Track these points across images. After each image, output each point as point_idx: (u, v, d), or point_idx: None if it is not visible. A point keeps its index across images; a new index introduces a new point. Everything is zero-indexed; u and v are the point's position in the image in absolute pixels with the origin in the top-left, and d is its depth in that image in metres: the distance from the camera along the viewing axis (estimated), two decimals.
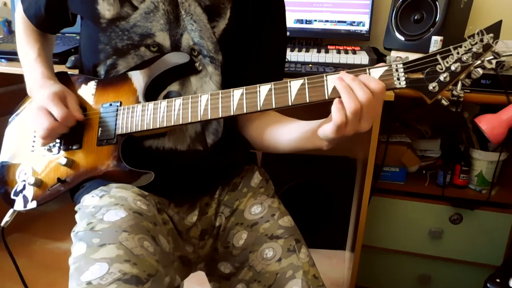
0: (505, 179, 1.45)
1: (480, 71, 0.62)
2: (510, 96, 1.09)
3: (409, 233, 1.47)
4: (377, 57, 1.32)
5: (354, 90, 0.60)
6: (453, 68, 0.61)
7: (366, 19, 1.49)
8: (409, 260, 1.51)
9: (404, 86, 0.62)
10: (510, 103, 1.06)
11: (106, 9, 0.78)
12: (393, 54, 1.34)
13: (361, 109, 0.59)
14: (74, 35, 1.54)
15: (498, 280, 1.03)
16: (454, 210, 1.41)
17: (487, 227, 1.40)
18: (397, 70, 0.62)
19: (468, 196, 1.40)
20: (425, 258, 1.49)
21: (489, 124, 0.99)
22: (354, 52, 1.34)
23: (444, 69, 0.62)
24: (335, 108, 0.60)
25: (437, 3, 1.21)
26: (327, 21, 1.52)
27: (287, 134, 0.77)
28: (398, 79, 0.62)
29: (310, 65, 1.25)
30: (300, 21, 1.53)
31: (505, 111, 0.99)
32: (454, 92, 0.64)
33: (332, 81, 0.63)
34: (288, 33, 1.49)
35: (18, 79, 0.90)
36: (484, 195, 1.39)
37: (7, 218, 0.87)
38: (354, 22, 1.50)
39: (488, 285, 1.03)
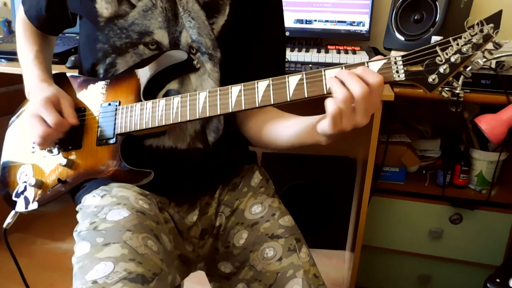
0: (505, 179, 1.45)
1: (481, 62, 0.61)
2: (510, 96, 1.09)
3: (409, 233, 1.47)
4: None
5: (346, 82, 0.60)
6: (452, 59, 0.60)
7: (366, 19, 1.49)
8: (409, 260, 1.51)
9: (403, 78, 0.61)
10: (510, 103, 1.06)
11: (104, 8, 0.78)
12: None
13: (354, 100, 0.59)
14: (74, 35, 1.54)
15: (498, 280, 1.03)
16: (454, 210, 1.41)
17: (487, 227, 1.40)
18: (395, 63, 0.62)
19: (468, 196, 1.40)
20: (425, 258, 1.49)
21: (489, 124, 0.99)
22: (354, 52, 1.34)
23: (443, 60, 0.61)
24: (328, 100, 0.60)
25: (437, 3, 1.21)
26: (327, 21, 1.52)
27: (287, 129, 0.77)
28: (397, 71, 0.62)
29: (310, 65, 1.25)
30: (300, 21, 1.53)
31: (505, 111, 0.99)
32: (455, 84, 0.63)
33: (330, 76, 0.63)
34: (288, 33, 1.53)
35: (18, 79, 0.90)
36: (484, 195, 1.39)
37: (9, 219, 0.87)
38: (354, 22, 1.50)
39: (488, 285, 1.03)
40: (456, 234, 1.43)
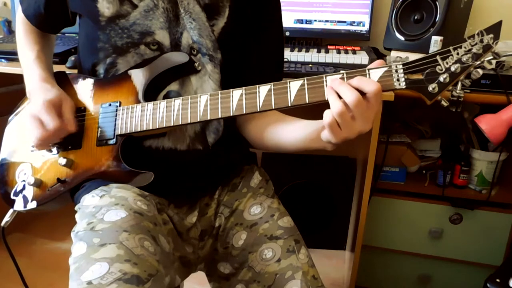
0: (505, 179, 1.45)
1: (480, 71, 0.62)
2: (510, 96, 1.09)
3: (409, 233, 1.47)
4: (377, 57, 1.32)
5: (339, 92, 0.61)
6: (453, 69, 0.61)
7: (366, 19, 1.49)
8: (409, 260, 1.51)
9: (404, 87, 0.62)
10: (510, 103, 1.06)
11: (105, 7, 0.78)
12: (393, 54, 1.33)
13: (349, 110, 0.60)
14: (74, 35, 1.54)
15: (498, 280, 1.03)
16: (454, 210, 1.41)
17: (487, 227, 1.40)
18: (396, 71, 0.62)
19: (468, 196, 1.40)
20: (425, 258, 1.49)
21: (489, 124, 0.99)
22: (354, 52, 1.34)
23: (444, 70, 0.61)
24: (325, 111, 0.62)
25: (437, 3, 1.21)
26: (327, 21, 1.52)
27: (290, 133, 0.77)
28: (398, 79, 0.62)
29: (310, 65, 1.25)
30: (300, 21, 1.53)
31: (505, 111, 0.99)
32: (454, 93, 0.64)
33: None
34: (288, 33, 1.53)
35: (18, 79, 0.89)
36: (484, 195, 1.39)
37: (7, 218, 0.87)
38: (354, 22, 1.50)
39: (488, 285, 1.03)
40: (456, 234, 1.43)
